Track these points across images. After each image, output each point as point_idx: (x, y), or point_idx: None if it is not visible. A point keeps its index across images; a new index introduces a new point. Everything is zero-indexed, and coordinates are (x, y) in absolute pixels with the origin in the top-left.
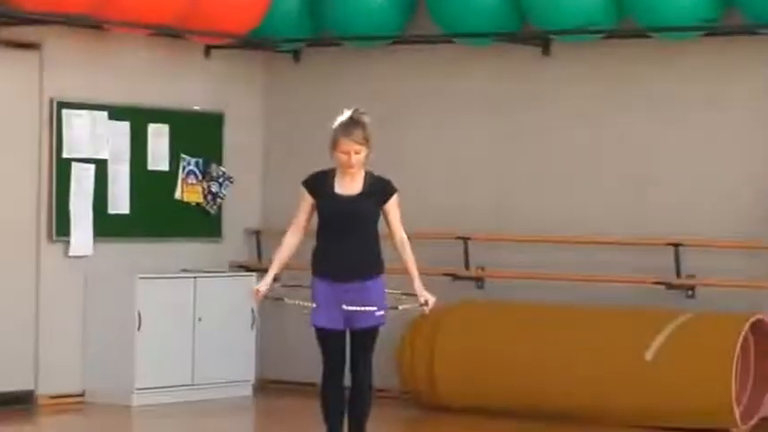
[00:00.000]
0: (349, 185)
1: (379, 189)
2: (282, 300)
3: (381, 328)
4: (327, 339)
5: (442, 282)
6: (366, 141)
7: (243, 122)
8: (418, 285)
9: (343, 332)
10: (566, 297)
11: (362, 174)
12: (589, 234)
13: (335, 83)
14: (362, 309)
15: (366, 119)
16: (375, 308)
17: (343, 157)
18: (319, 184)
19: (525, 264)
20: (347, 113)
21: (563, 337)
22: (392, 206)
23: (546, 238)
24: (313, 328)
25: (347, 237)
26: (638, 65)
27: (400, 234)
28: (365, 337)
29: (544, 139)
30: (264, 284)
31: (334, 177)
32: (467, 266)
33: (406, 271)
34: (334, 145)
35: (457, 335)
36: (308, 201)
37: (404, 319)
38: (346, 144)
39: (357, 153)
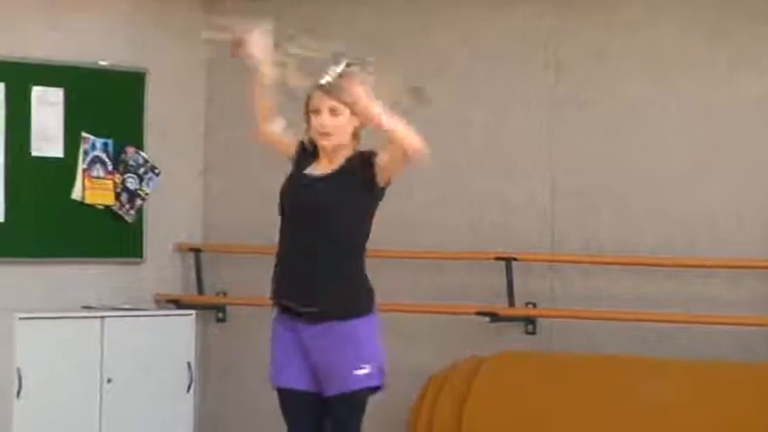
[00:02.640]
0: (324, 166)
1: (356, 164)
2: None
3: (387, 387)
4: (288, 406)
5: (475, 323)
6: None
7: (174, 85)
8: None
9: (313, 396)
10: (656, 347)
11: (346, 154)
12: (694, 255)
13: (313, 24)
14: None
15: (357, 67)
16: (357, 365)
17: (314, 121)
18: (304, 153)
19: (594, 297)
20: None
21: (650, 404)
22: (382, 158)
23: (626, 260)
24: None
25: (307, 244)
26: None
27: None
28: (340, 409)
29: (624, 110)
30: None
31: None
32: (511, 302)
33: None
34: (306, 106)
35: (495, 400)
36: (289, 143)
37: (418, 377)
38: (319, 99)
39: (335, 114)
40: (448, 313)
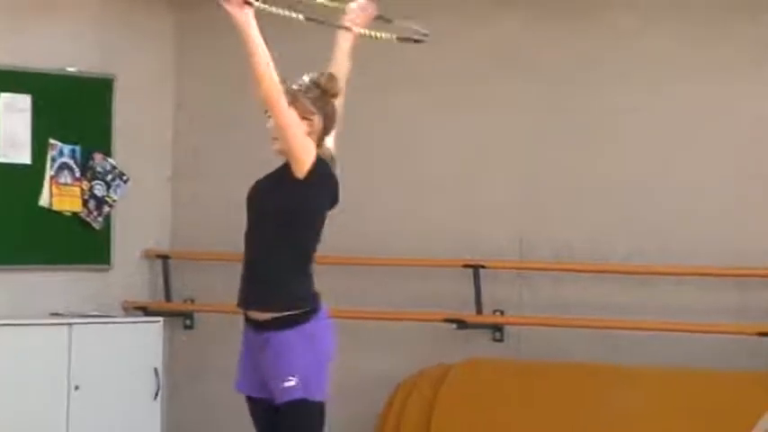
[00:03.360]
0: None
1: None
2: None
3: (357, 395)
4: (251, 411)
5: (442, 330)
6: (293, 97)
7: (142, 91)
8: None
9: (263, 402)
10: (624, 355)
11: None
12: (666, 263)
13: (279, 30)
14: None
15: (311, 76)
16: (286, 378)
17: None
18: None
19: (565, 304)
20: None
21: (620, 413)
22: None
23: (596, 268)
24: None
25: (248, 246)
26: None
27: None
28: (284, 419)
29: (592, 117)
30: None
31: None
32: (478, 309)
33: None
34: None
35: (462, 408)
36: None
37: (385, 384)
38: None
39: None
40: (416, 320)
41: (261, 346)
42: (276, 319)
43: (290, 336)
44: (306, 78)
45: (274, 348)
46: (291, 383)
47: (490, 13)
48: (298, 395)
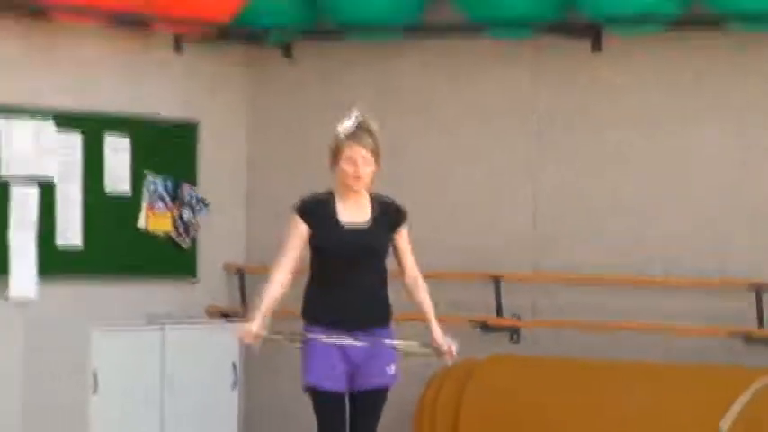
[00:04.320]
0: (355, 212)
1: (390, 214)
2: (286, 338)
3: (396, 386)
4: (328, 405)
5: (468, 332)
6: (376, 152)
7: (222, 133)
8: (438, 332)
9: (345, 395)
10: (621, 352)
11: (368, 197)
12: (651, 275)
13: (335, 85)
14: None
15: (375, 126)
16: (387, 363)
17: (349, 169)
18: (317, 209)
19: (571, 311)
20: (351, 117)
21: (618, 401)
22: (404, 237)
23: (597, 279)
24: (308, 392)
25: (354, 277)
26: (708, 62)
27: (416, 272)
28: (373, 401)
29: (594, 154)
30: (257, 324)
31: (335, 202)
32: (498, 313)
33: (418, 316)
34: (337, 153)
35: (486, 398)
36: (301, 231)
37: (421, 377)
38: (353, 149)
39: (366, 164)
40: (446, 323)
41: (362, 344)
42: (385, 320)
43: (389, 332)
44: (370, 140)
45: (380, 347)
46: (393, 371)
47: (501, 67)
48: (395, 380)
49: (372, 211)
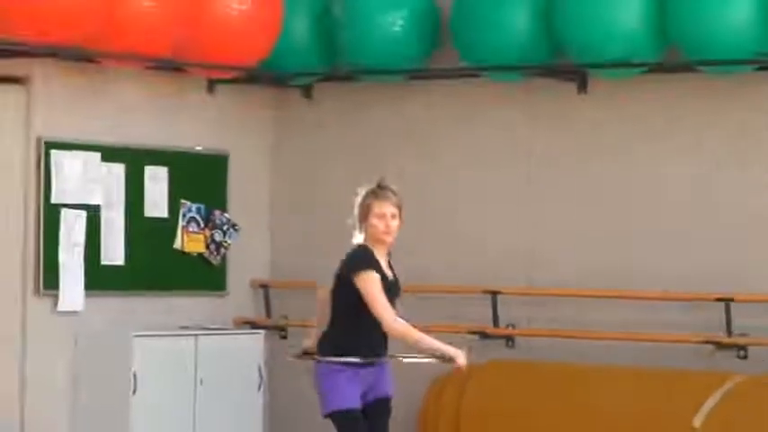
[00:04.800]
0: (385, 263)
1: (393, 268)
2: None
3: (404, 388)
4: (357, 422)
5: (468, 340)
6: (400, 208)
7: (249, 165)
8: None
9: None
10: (604, 358)
11: (387, 256)
12: (629, 289)
13: (351, 122)
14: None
15: (395, 186)
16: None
17: (380, 224)
18: (376, 264)
19: (560, 321)
20: (372, 184)
21: (602, 401)
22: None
23: (582, 293)
24: (332, 416)
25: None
26: (686, 103)
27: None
28: (388, 405)
29: (580, 185)
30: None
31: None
32: (495, 324)
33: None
34: (367, 211)
35: (485, 398)
36: (377, 280)
37: (426, 378)
38: (381, 206)
39: (394, 217)
40: (449, 332)
41: (375, 369)
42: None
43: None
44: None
45: (386, 368)
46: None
47: (497, 106)
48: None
49: (389, 264)
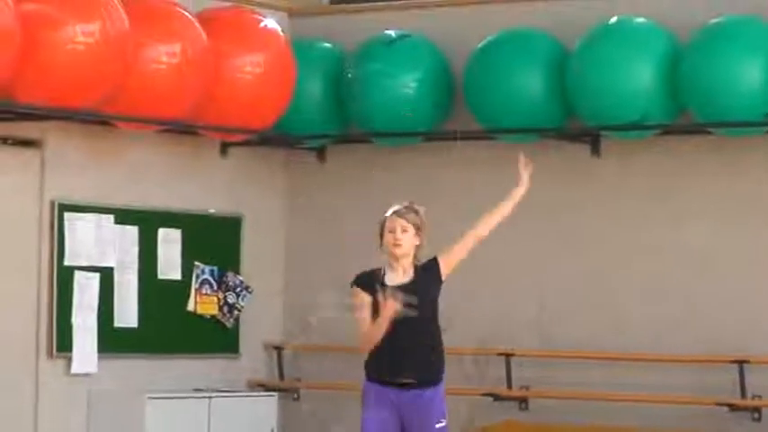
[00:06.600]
0: (399, 274)
1: (427, 267)
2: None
3: None
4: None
5: (482, 402)
6: (417, 226)
7: (262, 227)
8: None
9: None
10: (619, 419)
11: (412, 266)
12: (644, 351)
13: (364, 184)
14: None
15: (422, 209)
16: (439, 420)
17: (390, 237)
18: (369, 280)
19: (574, 382)
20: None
21: None
22: (444, 253)
23: (597, 355)
24: None
25: (402, 332)
26: (697, 164)
27: (470, 233)
28: None
29: (594, 246)
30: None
31: (383, 273)
32: (509, 385)
33: None
34: (382, 229)
35: None
36: (366, 302)
37: None
38: (393, 221)
39: (404, 231)
40: (463, 394)
41: (409, 396)
42: (430, 380)
43: (438, 390)
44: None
45: (426, 399)
46: (443, 424)
47: (511, 168)
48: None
49: (415, 273)
